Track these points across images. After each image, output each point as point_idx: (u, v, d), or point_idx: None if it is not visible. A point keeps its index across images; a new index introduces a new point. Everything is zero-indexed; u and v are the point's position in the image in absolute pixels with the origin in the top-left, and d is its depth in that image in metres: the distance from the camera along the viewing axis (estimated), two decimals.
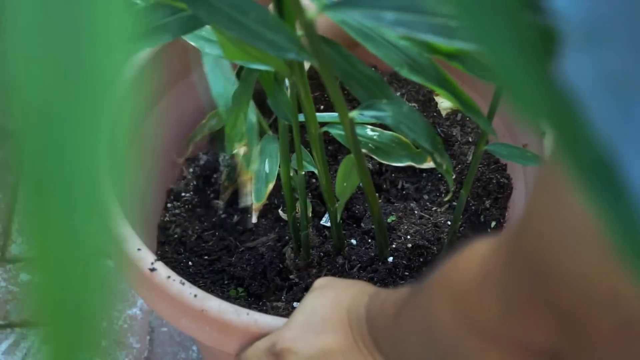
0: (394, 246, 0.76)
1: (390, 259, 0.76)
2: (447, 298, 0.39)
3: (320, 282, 0.59)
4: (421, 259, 0.74)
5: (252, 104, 0.69)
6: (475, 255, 0.37)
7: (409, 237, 0.76)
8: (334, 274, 0.75)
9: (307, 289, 0.74)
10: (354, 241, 0.77)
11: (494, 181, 0.81)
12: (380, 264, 0.75)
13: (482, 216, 0.80)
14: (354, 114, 0.52)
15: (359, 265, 0.75)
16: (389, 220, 0.78)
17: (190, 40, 0.58)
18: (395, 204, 0.80)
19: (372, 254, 0.75)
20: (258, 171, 0.68)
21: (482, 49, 0.16)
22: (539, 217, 0.30)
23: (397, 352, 0.48)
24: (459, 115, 0.87)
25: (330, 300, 0.55)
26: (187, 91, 0.85)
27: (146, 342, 1.06)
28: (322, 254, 0.76)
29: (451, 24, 0.38)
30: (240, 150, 0.66)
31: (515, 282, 0.32)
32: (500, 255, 0.34)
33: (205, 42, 0.59)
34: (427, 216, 0.79)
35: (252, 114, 0.69)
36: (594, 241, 0.27)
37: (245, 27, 0.41)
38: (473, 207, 0.80)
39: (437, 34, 0.38)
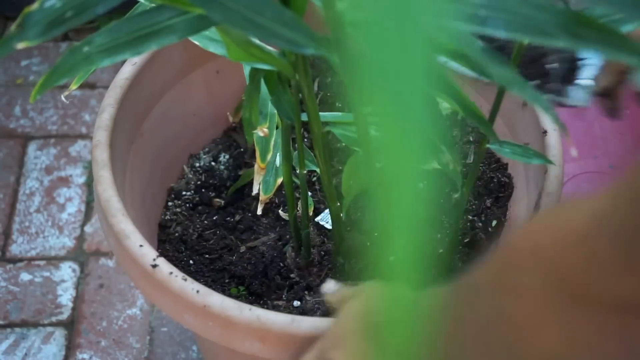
0: None
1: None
2: (532, 264, 0.35)
3: (367, 286, 0.56)
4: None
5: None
6: (571, 214, 0.34)
7: None
8: (334, 274, 0.75)
9: (307, 287, 0.74)
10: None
11: (495, 180, 0.81)
12: None
13: (483, 215, 0.80)
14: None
15: (359, 264, 0.75)
16: None
17: (195, 39, 0.59)
18: None
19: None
20: (270, 163, 0.68)
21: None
22: None
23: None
24: (460, 115, 0.88)
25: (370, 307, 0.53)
26: (187, 89, 0.85)
27: (146, 342, 1.06)
28: (323, 252, 0.76)
29: (481, 12, 0.38)
30: (260, 132, 0.66)
31: (621, 234, 0.30)
32: (616, 200, 0.31)
33: (209, 41, 0.59)
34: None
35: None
36: None
37: (262, 27, 0.41)
38: (474, 206, 0.80)
39: (470, 22, 0.38)
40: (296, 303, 0.73)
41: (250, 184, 0.85)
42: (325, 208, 0.80)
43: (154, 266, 0.60)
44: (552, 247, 0.34)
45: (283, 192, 0.83)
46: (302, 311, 0.72)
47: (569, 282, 0.33)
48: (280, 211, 0.81)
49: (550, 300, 0.34)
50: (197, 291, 0.58)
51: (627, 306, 0.32)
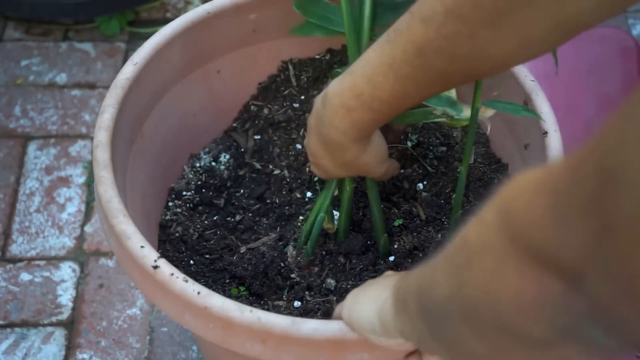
0: (395, 246, 0.76)
1: (392, 258, 0.76)
2: (497, 214, 0.38)
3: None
4: (421, 255, 0.75)
5: None
6: (529, 173, 0.36)
7: (410, 236, 0.76)
8: (335, 273, 0.75)
9: (308, 288, 0.74)
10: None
11: (496, 181, 0.81)
12: (382, 262, 0.75)
13: None
14: None
15: (360, 265, 0.75)
16: (395, 224, 0.78)
17: None
18: (402, 206, 0.80)
19: (374, 253, 0.76)
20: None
21: None
22: (622, 124, 0.29)
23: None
24: None
25: None
26: (188, 89, 0.85)
27: (146, 342, 1.06)
28: (324, 252, 0.76)
29: None
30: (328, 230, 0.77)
31: (575, 185, 0.31)
32: (563, 163, 0.33)
33: None
34: (431, 215, 0.79)
35: None
36: None
37: None
38: (475, 207, 0.80)
39: None
40: (297, 303, 0.73)
41: (246, 185, 0.85)
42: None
43: (155, 267, 0.60)
44: (511, 204, 0.36)
45: (284, 191, 0.83)
46: (303, 311, 0.72)
47: (514, 223, 0.36)
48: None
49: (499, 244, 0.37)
50: (198, 292, 0.58)
51: (543, 260, 0.34)
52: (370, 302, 0.55)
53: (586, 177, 0.30)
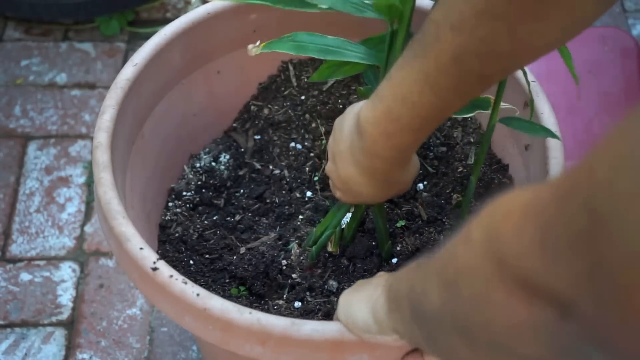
0: (398, 248, 0.76)
1: (395, 260, 0.75)
2: (481, 234, 0.38)
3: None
4: None
5: None
6: (517, 196, 0.36)
7: (412, 237, 0.76)
8: (338, 275, 0.75)
9: (309, 289, 0.74)
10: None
11: (496, 181, 0.81)
12: (385, 265, 0.75)
13: None
14: None
15: (364, 268, 0.75)
16: (397, 225, 0.78)
17: None
18: (404, 207, 0.80)
19: (377, 256, 0.76)
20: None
21: None
22: (611, 163, 0.28)
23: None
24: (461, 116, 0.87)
25: None
26: (188, 90, 0.85)
27: (146, 342, 1.06)
28: (327, 254, 0.76)
29: None
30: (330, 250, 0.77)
31: (564, 219, 0.31)
32: (550, 190, 0.33)
33: None
34: (432, 215, 0.79)
35: None
36: None
37: None
38: (475, 207, 0.80)
39: None
40: (297, 304, 0.72)
41: (246, 185, 0.85)
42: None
43: (154, 269, 0.60)
44: (497, 225, 0.36)
45: (284, 191, 0.83)
46: (304, 312, 0.72)
47: (500, 255, 0.35)
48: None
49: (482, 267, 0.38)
50: (198, 294, 0.58)
51: (532, 288, 0.34)
52: (363, 301, 0.55)
53: (575, 214, 0.30)
